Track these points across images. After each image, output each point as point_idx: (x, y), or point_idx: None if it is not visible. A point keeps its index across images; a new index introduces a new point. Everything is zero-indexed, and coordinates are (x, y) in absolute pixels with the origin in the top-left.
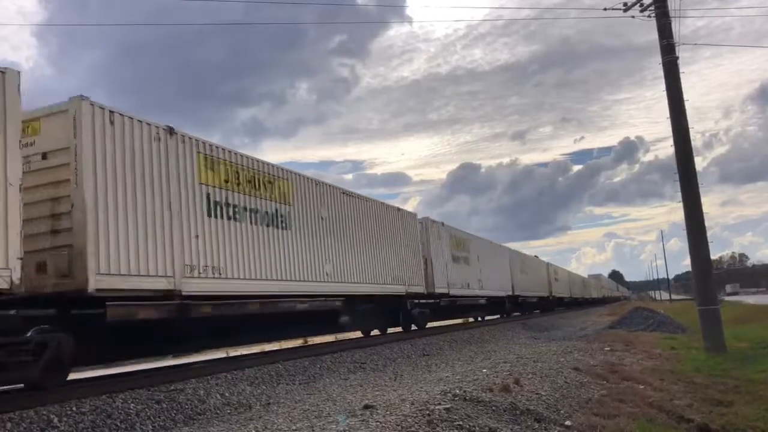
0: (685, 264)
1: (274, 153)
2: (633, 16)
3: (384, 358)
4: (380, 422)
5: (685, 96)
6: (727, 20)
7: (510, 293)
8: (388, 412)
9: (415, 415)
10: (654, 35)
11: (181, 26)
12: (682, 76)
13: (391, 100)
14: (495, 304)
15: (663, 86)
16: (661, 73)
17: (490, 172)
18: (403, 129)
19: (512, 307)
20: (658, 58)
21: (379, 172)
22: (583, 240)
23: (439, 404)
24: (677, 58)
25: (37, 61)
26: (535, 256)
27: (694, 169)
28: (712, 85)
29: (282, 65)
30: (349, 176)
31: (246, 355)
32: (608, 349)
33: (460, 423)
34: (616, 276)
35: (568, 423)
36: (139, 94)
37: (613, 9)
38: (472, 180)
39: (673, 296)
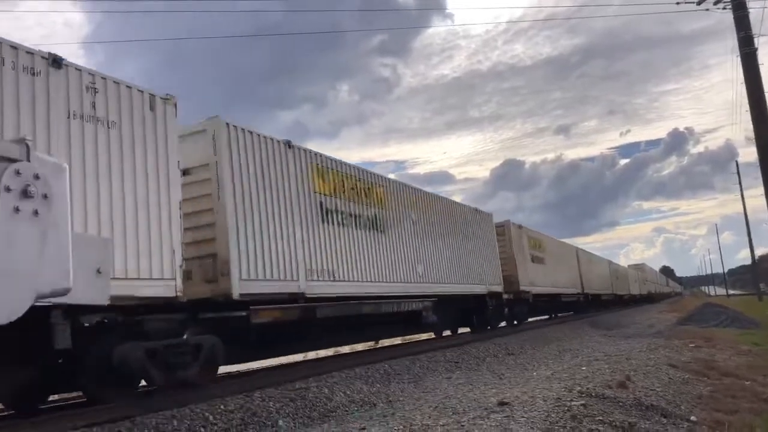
0: (740, 258)
1: None
2: (707, 9)
3: (474, 357)
4: (525, 417)
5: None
6: None
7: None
8: (525, 408)
9: (555, 410)
10: (703, 23)
11: (224, 32)
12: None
13: (431, 99)
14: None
15: (712, 76)
16: (710, 62)
17: (534, 167)
18: (444, 127)
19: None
20: (706, 47)
21: (422, 171)
22: (632, 236)
23: (572, 401)
24: (756, 49)
25: None
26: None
27: None
28: None
29: (323, 67)
30: (392, 176)
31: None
32: (692, 345)
33: (601, 418)
34: (666, 271)
35: (693, 418)
36: (184, 100)
37: (686, 2)
38: (515, 176)
39: (729, 291)
